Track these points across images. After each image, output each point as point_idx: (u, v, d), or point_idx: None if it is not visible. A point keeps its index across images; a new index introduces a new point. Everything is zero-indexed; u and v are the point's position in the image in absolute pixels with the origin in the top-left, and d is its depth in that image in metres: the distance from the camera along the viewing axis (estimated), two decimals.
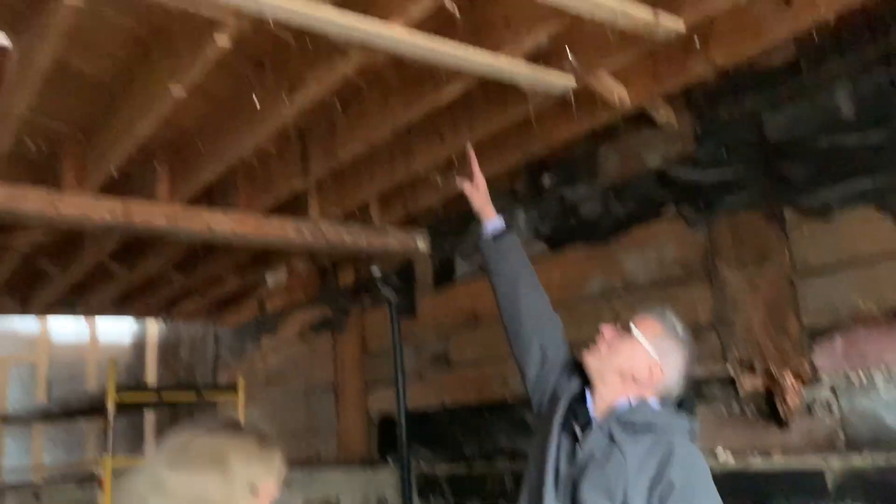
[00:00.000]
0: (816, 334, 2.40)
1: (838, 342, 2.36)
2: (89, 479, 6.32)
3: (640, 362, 1.69)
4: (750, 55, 2.34)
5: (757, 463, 2.46)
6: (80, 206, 2.96)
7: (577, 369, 1.82)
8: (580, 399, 1.76)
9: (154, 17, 2.21)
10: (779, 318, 2.48)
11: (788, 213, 2.49)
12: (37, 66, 2.01)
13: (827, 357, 2.38)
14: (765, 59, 2.52)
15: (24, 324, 6.63)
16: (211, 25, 1.98)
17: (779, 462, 2.42)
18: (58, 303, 5.24)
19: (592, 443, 1.64)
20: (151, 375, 6.96)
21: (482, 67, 2.18)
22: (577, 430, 1.68)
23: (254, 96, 2.42)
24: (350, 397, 4.45)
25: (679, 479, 1.54)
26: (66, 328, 6.94)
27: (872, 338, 2.28)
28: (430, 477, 3.71)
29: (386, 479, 3.96)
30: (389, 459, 4.08)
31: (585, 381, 1.78)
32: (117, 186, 3.13)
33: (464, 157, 3.13)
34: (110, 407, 3.99)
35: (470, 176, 2.12)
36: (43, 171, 3.24)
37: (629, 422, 1.64)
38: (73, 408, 4.67)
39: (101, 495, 5.74)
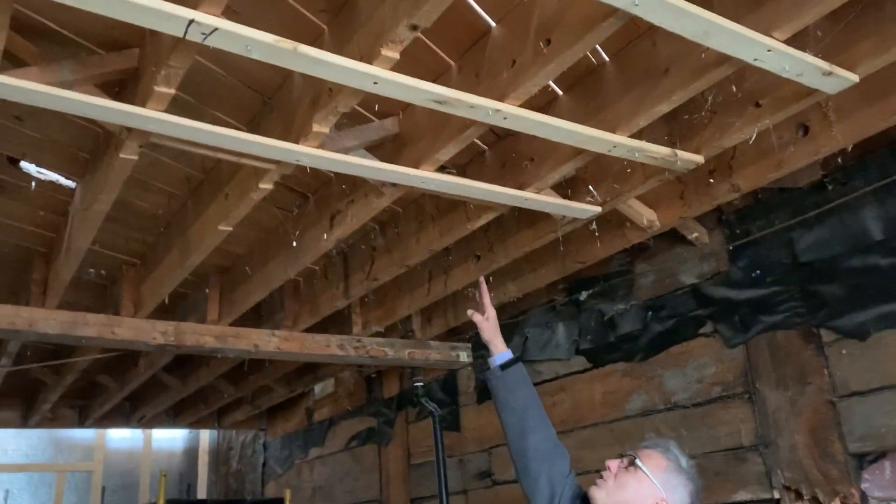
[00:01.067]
0: (863, 460, 2.33)
1: (888, 468, 2.29)
2: None
3: (646, 497, 1.69)
4: (772, 180, 2.39)
5: None
6: (134, 329, 3.12)
7: (586, 501, 1.81)
8: None
9: (205, 161, 2.40)
10: (823, 442, 2.42)
11: (825, 334, 2.47)
12: (98, 209, 2.19)
13: (877, 484, 2.30)
14: (791, 180, 2.56)
15: (81, 431, 6.78)
16: (254, 171, 2.14)
17: None
18: (113, 415, 5.40)
19: None
20: (203, 482, 7.00)
21: (511, 200, 2.28)
22: None
23: (295, 233, 2.55)
24: None
25: None
26: (121, 434, 7.07)
27: None
28: None
29: None
30: None
31: None
32: (170, 307, 3.29)
33: (498, 274, 3.23)
34: None
35: (481, 308, 2.15)
36: (101, 295, 3.44)
37: None
38: None
39: None
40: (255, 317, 3.68)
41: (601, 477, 1.77)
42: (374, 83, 1.62)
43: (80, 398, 5.25)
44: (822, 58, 1.72)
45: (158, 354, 3.89)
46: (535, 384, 3.57)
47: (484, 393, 3.94)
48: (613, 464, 1.77)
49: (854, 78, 1.77)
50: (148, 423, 5.79)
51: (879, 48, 1.73)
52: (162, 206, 2.72)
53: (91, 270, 3.16)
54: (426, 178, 2.05)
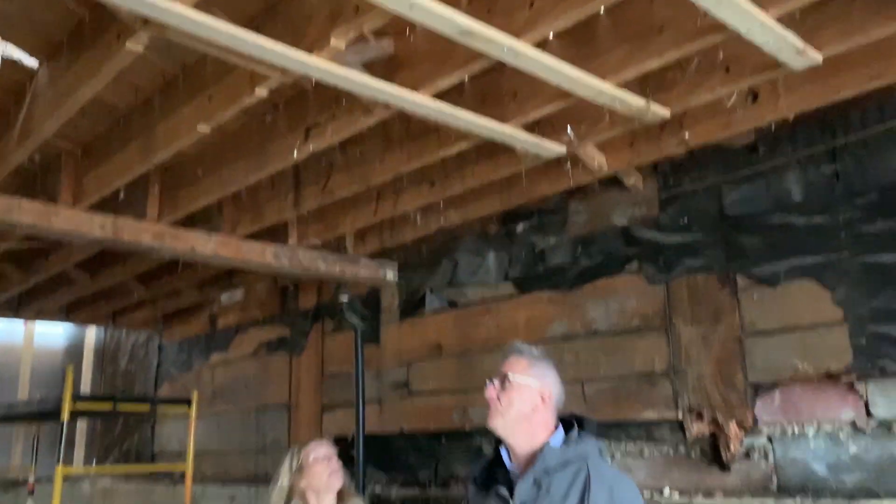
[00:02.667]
0: (759, 389, 2.71)
1: (777, 397, 2.68)
2: (15, 485, 6.19)
3: (533, 398, 1.89)
4: (718, 139, 2.66)
5: (699, 502, 2.74)
6: (73, 220, 3.04)
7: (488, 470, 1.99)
8: (498, 464, 1.94)
9: (187, 59, 2.36)
10: (727, 373, 2.78)
11: (740, 279, 2.80)
12: (81, 96, 2.13)
13: (767, 409, 2.69)
14: (727, 140, 2.83)
15: None
16: (249, 75, 2.14)
17: (719, 502, 2.70)
18: (6, 306, 5.17)
19: (522, 493, 1.83)
20: (87, 380, 6.85)
21: (489, 132, 2.41)
22: (504, 491, 1.86)
23: (262, 139, 2.57)
24: (305, 418, 4.57)
25: (601, 500, 1.76)
26: None
27: (807, 395, 2.60)
28: (384, 499, 3.87)
29: None
30: None
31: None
32: (107, 201, 3.20)
33: (450, 202, 3.36)
34: (65, 416, 3.99)
35: None
36: (31, 181, 3.30)
37: (547, 467, 1.83)
38: (17, 413, 4.60)
39: (30, 500, 5.66)
40: (189, 219, 3.64)
41: (489, 408, 1.92)
42: (410, 7, 1.69)
43: None
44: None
45: (77, 248, 3.79)
46: (463, 306, 3.83)
47: (406, 311, 4.13)
48: (491, 391, 1.93)
49: (819, 58, 2.02)
50: (40, 315, 5.58)
51: (844, 34, 1.98)
52: (125, 99, 2.64)
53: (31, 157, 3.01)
54: (427, 104, 2.14)
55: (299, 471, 2.55)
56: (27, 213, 2.93)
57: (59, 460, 4.02)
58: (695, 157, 2.98)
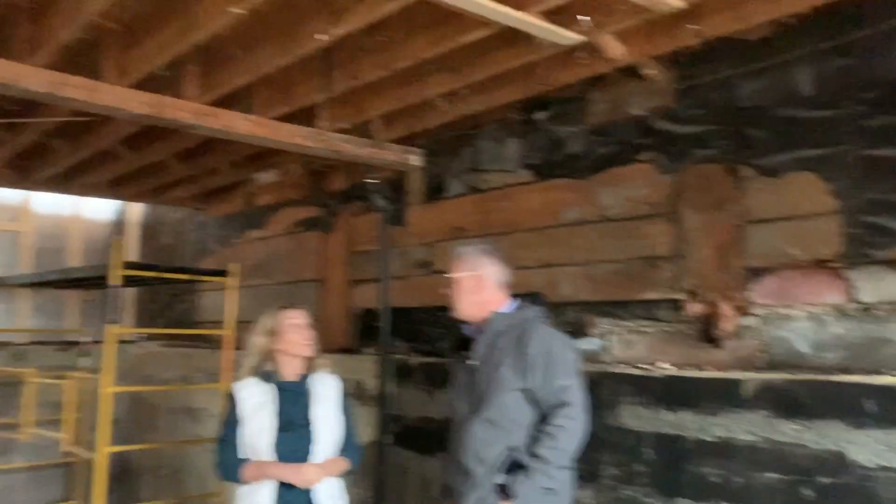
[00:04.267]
0: (754, 273, 2.89)
1: (770, 281, 2.86)
2: (70, 345, 6.72)
3: (470, 284, 2.54)
4: (733, 31, 2.72)
5: (690, 373, 2.98)
6: (118, 96, 3.23)
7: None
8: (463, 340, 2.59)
9: None
10: (725, 258, 2.96)
11: (745, 170, 2.93)
12: None
13: (760, 293, 2.88)
14: (743, 32, 2.89)
15: (5, 192, 6.73)
16: None
17: (707, 374, 2.94)
18: (55, 180, 5.47)
19: (480, 353, 2.45)
20: (132, 255, 7.25)
21: (507, 19, 2.51)
22: (468, 353, 2.49)
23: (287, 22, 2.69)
24: (334, 291, 4.88)
25: (536, 350, 2.35)
26: (48, 199, 7.07)
27: (797, 280, 2.78)
28: (406, 365, 4.19)
29: (364, 366, 4.43)
30: (368, 349, 4.55)
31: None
32: (147, 80, 3.38)
33: (472, 89, 3.48)
34: (115, 280, 4.32)
35: None
36: (73, 58, 3.46)
37: (497, 329, 2.45)
38: (74, 277, 4.97)
39: (84, 359, 6.16)
40: (225, 99, 3.81)
41: (449, 303, 2.60)
42: None
43: (23, 161, 5.25)
44: None
45: (121, 124, 4.01)
46: (482, 191, 4.01)
47: (430, 195, 4.33)
48: (445, 290, 2.59)
49: None
50: (88, 191, 5.90)
51: None
52: None
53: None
54: None
55: (274, 333, 2.64)
56: (75, 89, 3.13)
57: (109, 321, 4.40)
58: (712, 49, 3.04)
